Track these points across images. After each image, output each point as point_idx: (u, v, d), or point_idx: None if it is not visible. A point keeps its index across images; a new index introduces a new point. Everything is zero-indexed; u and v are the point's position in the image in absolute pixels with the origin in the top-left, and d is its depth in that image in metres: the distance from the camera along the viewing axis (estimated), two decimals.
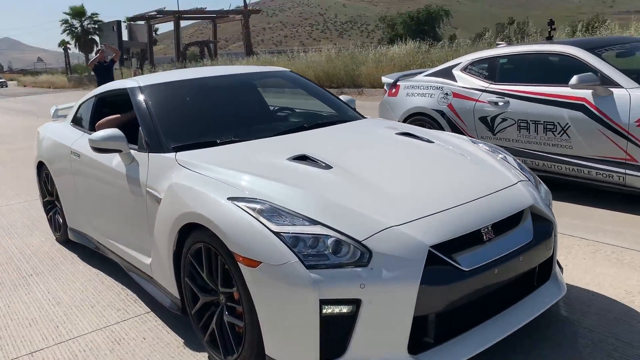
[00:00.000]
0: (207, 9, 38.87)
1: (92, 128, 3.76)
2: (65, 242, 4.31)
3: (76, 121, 4.17)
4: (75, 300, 3.34)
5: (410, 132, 3.12)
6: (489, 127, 4.92)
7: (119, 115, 3.68)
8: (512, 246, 2.29)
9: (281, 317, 2.07)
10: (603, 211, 4.19)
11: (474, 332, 2.21)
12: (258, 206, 2.21)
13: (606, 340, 2.46)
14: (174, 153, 2.85)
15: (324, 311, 2.00)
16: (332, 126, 3.35)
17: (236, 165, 2.62)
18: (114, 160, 3.19)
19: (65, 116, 4.66)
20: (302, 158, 2.63)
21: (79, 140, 3.76)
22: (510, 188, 2.51)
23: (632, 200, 4.23)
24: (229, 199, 2.29)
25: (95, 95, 3.98)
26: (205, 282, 2.48)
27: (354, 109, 3.81)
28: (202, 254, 2.43)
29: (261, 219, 2.15)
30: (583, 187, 4.47)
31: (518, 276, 2.36)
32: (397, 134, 3.09)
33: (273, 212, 2.18)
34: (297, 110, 3.81)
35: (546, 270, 2.56)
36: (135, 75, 17.22)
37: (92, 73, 12.13)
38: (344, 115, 3.65)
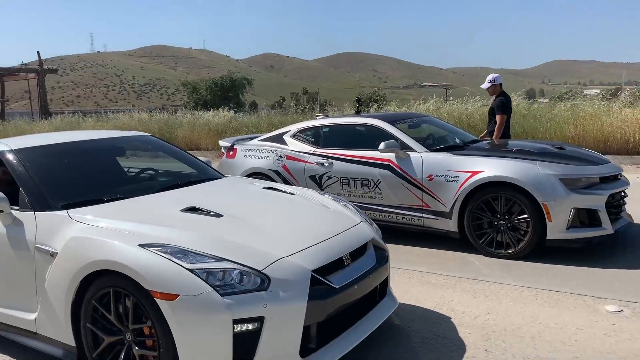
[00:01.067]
0: None
1: None
2: None
3: None
4: None
5: (273, 186, 3.80)
6: (317, 183, 5.84)
7: None
8: (364, 268, 3.07)
9: (198, 339, 2.49)
10: (410, 247, 5.32)
11: (343, 336, 2.89)
12: (169, 249, 2.64)
13: (429, 337, 3.34)
14: (65, 210, 3.08)
15: (236, 329, 2.50)
16: (204, 183, 3.86)
17: (134, 217, 2.98)
18: None
19: None
20: (192, 209, 3.11)
21: None
22: (357, 226, 3.32)
23: (428, 237, 5.43)
24: (139, 245, 2.67)
25: None
26: (111, 323, 2.75)
27: (213, 168, 4.36)
28: (111, 297, 2.71)
29: (174, 259, 2.58)
30: (393, 229, 5.58)
31: (368, 292, 3.14)
32: (263, 188, 3.75)
33: (182, 254, 2.63)
34: (167, 170, 4.21)
35: (384, 288, 3.39)
36: None
37: None
38: (207, 174, 4.18)
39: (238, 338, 2.50)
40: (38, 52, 32.78)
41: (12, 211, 3.18)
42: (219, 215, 3.05)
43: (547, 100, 20.95)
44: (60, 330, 2.92)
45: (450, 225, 5.10)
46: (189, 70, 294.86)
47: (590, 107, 10.45)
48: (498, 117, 6.80)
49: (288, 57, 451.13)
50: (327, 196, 3.88)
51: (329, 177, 5.79)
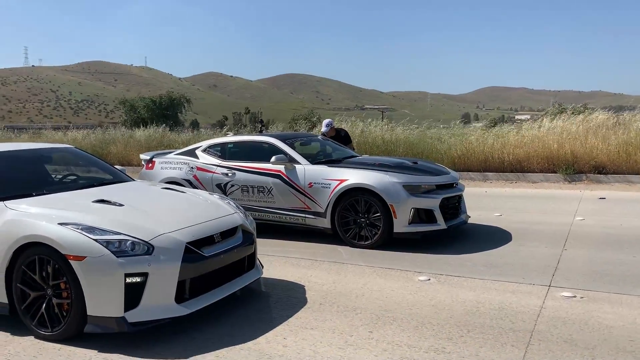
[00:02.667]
0: None
1: None
2: None
3: None
4: None
5: (170, 187, 4.91)
6: (222, 190, 6.95)
7: None
8: (231, 245, 4.21)
9: (100, 288, 3.54)
10: (293, 241, 6.50)
11: (212, 292, 4.01)
12: (80, 226, 3.69)
13: (283, 298, 4.50)
14: (2, 202, 4.06)
15: (127, 280, 3.56)
16: (115, 184, 4.92)
17: (56, 206, 4.01)
18: None
19: None
20: (101, 201, 4.17)
21: None
22: (230, 215, 4.46)
23: (309, 234, 6.64)
24: (59, 223, 3.70)
25: None
26: (36, 282, 3.74)
27: (126, 174, 5.41)
28: (36, 263, 3.72)
29: (84, 232, 3.64)
30: (283, 227, 6.76)
31: (236, 261, 4.27)
32: (161, 188, 4.85)
33: (90, 229, 3.68)
34: (86, 175, 5.22)
35: (251, 261, 4.53)
36: None
37: None
38: (120, 177, 5.23)
39: (129, 287, 3.57)
40: None
41: None
42: (121, 205, 4.13)
43: (481, 124, 22.93)
44: None
45: (325, 223, 6.34)
46: (129, 87, 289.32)
47: (473, 134, 12.18)
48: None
49: (232, 76, 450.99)
50: (215, 195, 5.02)
51: (232, 185, 6.92)
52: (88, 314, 3.57)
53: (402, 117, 16.49)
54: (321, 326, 3.86)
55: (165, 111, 44.56)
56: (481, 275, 4.95)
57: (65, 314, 3.66)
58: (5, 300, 3.87)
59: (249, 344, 3.59)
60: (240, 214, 4.66)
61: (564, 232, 6.53)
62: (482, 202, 8.96)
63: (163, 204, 4.42)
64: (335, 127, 9.31)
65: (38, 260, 3.72)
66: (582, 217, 7.34)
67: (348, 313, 4.11)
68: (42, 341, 3.70)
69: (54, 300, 3.70)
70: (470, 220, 7.09)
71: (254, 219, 6.48)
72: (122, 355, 3.46)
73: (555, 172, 10.94)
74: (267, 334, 3.75)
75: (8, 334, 3.88)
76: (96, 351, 3.53)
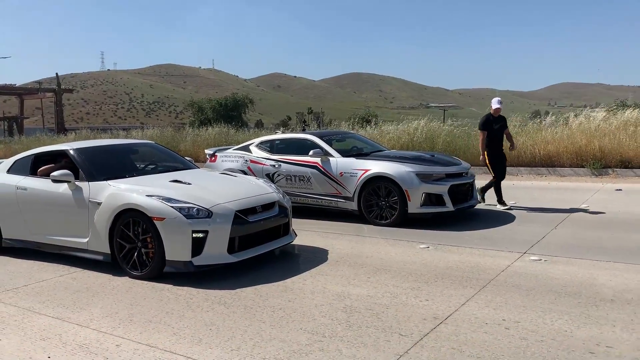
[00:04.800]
0: (16, 85, 38.44)
1: (33, 173, 6.22)
2: None
3: (13, 171, 6.48)
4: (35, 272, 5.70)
5: (227, 173, 6.37)
6: (271, 179, 8.37)
7: (53, 164, 6.23)
8: (269, 215, 5.59)
9: (174, 240, 5.00)
10: (325, 221, 7.81)
11: (255, 248, 5.40)
12: (161, 197, 5.17)
13: (310, 257, 5.81)
14: (106, 181, 5.63)
15: (194, 235, 5.01)
16: (185, 170, 6.44)
17: (143, 184, 5.53)
18: (61, 188, 5.78)
19: None
20: (175, 181, 5.67)
21: (23, 180, 6.17)
22: (270, 194, 5.84)
23: (340, 215, 7.92)
24: (146, 195, 5.21)
25: (33, 154, 6.45)
26: (130, 238, 5.27)
27: (194, 164, 6.93)
28: (130, 224, 5.24)
29: (164, 202, 5.11)
30: (320, 210, 8.09)
31: (273, 228, 5.64)
32: (220, 173, 6.33)
33: (168, 199, 5.16)
34: (163, 164, 6.78)
35: (286, 229, 5.89)
36: None
37: None
38: (189, 166, 6.75)
39: (194, 240, 5.01)
40: (57, 74, 35.87)
41: (75, 182, 5.73)
42: (189, 184, 5.61)
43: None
44: (101, 245, 5.44)
45: (353, 205, 7.62)
46: (198, 89, 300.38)
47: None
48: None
49: (295, 77, 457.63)
50: (260, 180, 6.42)
51: (279, 175, 8.34)
52: (166, 259, 5.05)
53: (468, 115, 16.82)
54: (333, 274, 5.16)
55: (230, 112, 47.00)
56: (472, 245, 6.07)
57: (150, 260, 5.16)
58: (108, 251, 5.43)
59: (278, 282, 4.95)
60: (278, 193, 6.03)
61: (563, 216, 7.47)
62: (506, 192, 9.90)
63: (220, 184, 5.87)
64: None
65: (132, 221, 5.24)
66: (587, 205, 8.21)
67: (356, 267, 5.38)
68: (133, 279, 5.21)
69: (143, 250, 5.20)
70: (486, 206, 8.16)
71: (296, 202, 7.93)
72: (189, 288, 4.90)
73: (584, 167, 11.64)
74: (292, 277, 5.09)
75: (111, 275, 5.42)
76: (171, 285, 4.99)
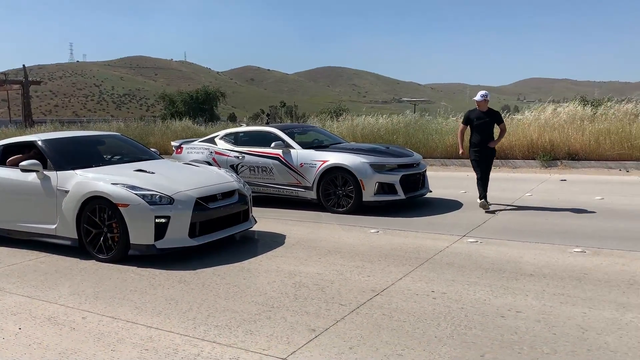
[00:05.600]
0: None
1: (2, 164, 6.47)
2: None
3: None
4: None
5: (190, 163, 6.73)
6: (235, 170, 8.74)
7: (21, 155, 6.50)
8: (229, 202, 5.98)
9: (138, 226, 5.36)
10: (286, 209, 8.23)
11: (215, 233, 5.79)
12: (125, 185, 5.52)
13: (269, 241, 6.23)
14: (73, 170, 5.94)
15: (156, 221, 5.37)
16: (149, 160, 6.77)
17: (109, 172, 5.86)
18: (29, 177, 6.06)
19: None
20: (140, 170, 6.01)
21: None
22: (230, 182, 6.23)
23: (301, 204, 8.36)
24: (112, 183, 5.55)
25: (2, 145, 6.70)
26: (97, 224, 5.60)
27: (159, 155, 7.26)
28: (97, 210, 5.57)
29: (128, 189, 5.46)
30: (281, 199, 8.51)
31: (233, 214, 6.03)
32: (183, 163, 6.68)
33: (132, 187, 5.51)
34: (129, 154, 7.09)
35: (245, 215, 6.30)
36: None
37: None
38: (154, 156, 7.09)
39: (157, 225, 5.38)
40: (24, 65, 35.35)
41: (44, 172, 6.02)
42: (153, 173, 5.97)
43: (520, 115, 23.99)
44: (69, 230, 5.76)
45: (312, 195, 8.06)
46: (169, 81, 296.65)
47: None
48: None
49: (269, 70, 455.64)
50: (222, 170, 6.81)
51: (242, 166, 8.72)
52: (131, 242, 5.40)
53: (440, 109, 16.86)
54: (288, 255, 5.60)
55: (201, 105, 47.00)
56: (418, 230, 6.58)
57: (115, 244, 5.50)
58: (76, 236, 5.75)
59: (236, 263, 5.36)
60: (238, 182, 6.42)
61: (507, 203, 8.05)
62: (459, 183, 10.51)
63: (182, 173, 6.24)
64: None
65: (98, 208, 5.57)
66: (531, 194, 8.83)
67: (310, 249, 5.83)
68: (100, 263, 5.55)
69: (109, 235, 5.55)
70: (438, 195, 8.71)
71: (259, 192, 8.33)
72: (152, 269, 5.27)
73: (535, 159, 12.32)
74: (250, 259, 5.51)
75: (78, 259, 5.75)
76: (135, 267, 5.35)
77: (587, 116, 12.73)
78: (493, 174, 12.02)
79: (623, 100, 17.00)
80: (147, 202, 5.39)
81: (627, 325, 3.53)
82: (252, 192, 8.35)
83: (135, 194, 5.43)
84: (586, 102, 22.36)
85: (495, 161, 12.84)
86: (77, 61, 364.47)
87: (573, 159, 11.95)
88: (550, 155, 12.08)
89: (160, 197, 5.47)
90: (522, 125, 12.96)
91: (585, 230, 6.23)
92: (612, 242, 5.68)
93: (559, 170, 11.71)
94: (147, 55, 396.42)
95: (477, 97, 7.73)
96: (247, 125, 11.27)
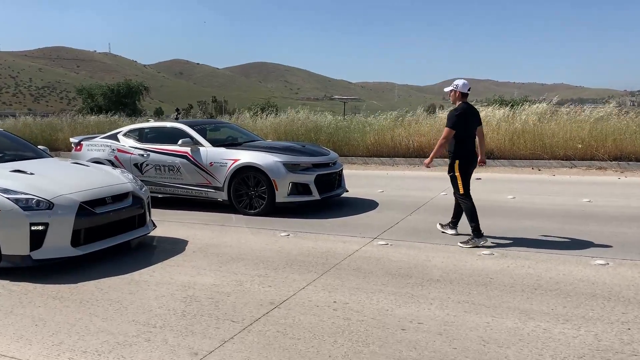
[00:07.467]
0: None
1: None
2: None
3: None
4: None
5: (78, 162, 6.09)
6: (139, 169, 8.12)
7: None
8: (121, 206, 5.42)
9: (11, 234, 4.71)
10: (195, 211, 7.73)
11: (104, 240, 5.22)
12: None
13: (168, 248, 5.73)
14: None
15: (32, 228, 4.75)
16: (33, 160, 6.07)
17: None
18: None
19: None
20: (17, 171, 5.33)
21: None
22: (123, 184, 5.67)
23: (211, 205, 7.88)
24: None
25: None
26: None
27: (47, 153, 6.55)
28: None
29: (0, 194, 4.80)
30: (190, 200, 7.99)
31: (127, 219, 5.48)
32: (71, 163, 6.03)
33: (5, 190, 4.84)
34: (11, 152, 6.34)
35: (141, 220, 5.76)
36: None
37: None
38: (40, 155, 6.37)
39: (33, 233, 4.75)
40: None
41: None
42: (32, 174, 5.31)
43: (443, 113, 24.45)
44: None
45: (223, 195, 7.60)
46: (92, 74, 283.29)
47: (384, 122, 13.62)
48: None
49: (198, 64, 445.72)
50: (117, 170, 6.21)
51: (147, 165, 8.11)
52: (2, 253, 4.75)
53: (370, 108, 17.17)
54: (186, 264, 5.13)
55: (123, 99, 44.82)
56: (330, 232, 6.30)
57: None
58: None
59: (125, 275, 4.83)
60: (133, 183, 5.86)
61: (421, 203, 7.96)
62: (378, 182, 10.39)
63: (67, 174, 5.61)
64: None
65: None
66: (445, 193, 8.80)
67: (212, 256, 5.39)
68: None
69: None
70: (356, 195, 8.50)
71: (166, 193, 7.77)
72: (26, 283, 4.65)
73: None
74: (142, 269, 5.00)
75: None
76: (8, 281, 4.71)
77: (503, 117, 13.00)
78: (410, 173, 12.17)
79: (540, 100, 17.75)
80: (21, 207, 4.76)
81: (528, 336, 3.38)
82: (159, 193, 7.86)
83: (7, 197, 4.78)
84: (505, 103, 23.18)
85: (413, 160, 12.92)
86: None
87: (489, 158, 12.15)
88: None
89: (37, 201, 4.85)
90: (439, 124, 13.06)
91: (495, 230, 6.18)
92: (520, 243, 5.64)
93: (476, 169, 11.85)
94: (68, 46, 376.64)
95: (465, 89, 5.76)
96: (155, 121, 10.64)
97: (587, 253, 5.23)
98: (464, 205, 5.77)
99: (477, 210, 5.72)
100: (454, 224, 6.13)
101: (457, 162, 5.80)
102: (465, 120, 5.70)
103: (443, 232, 6.14)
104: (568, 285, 4.32)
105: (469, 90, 5.81)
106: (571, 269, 4.72)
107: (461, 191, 5.80)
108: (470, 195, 5.82)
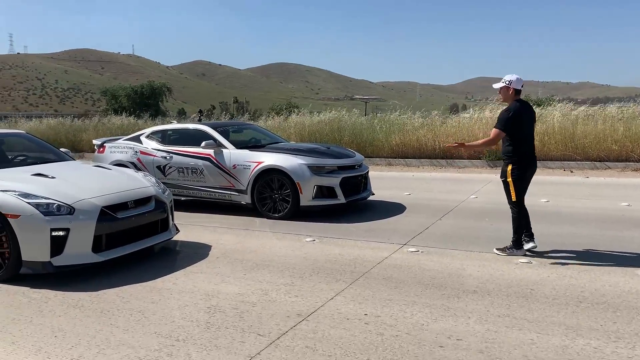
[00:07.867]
0: None
1: None
2: None
3: None
4: None
5: (100, 165, 5.97)
6: (162, 172, 8.00)
7: None
8: (143, 210, 5.28)
9: (31, 240, 4.59)
10: (218, 214, 7.58)
11: (126, 246, 5.08)
12: (17, 193, 4.73)
13: (190, 253, 5.57)
14: None
15: (52, 234, 4.62)
16: (55, 162, 5.97)
17: (1, 178, 5.05)
18: None
19: None
20: (38, 174, 5.22)
21: None
22: (146, 187, 5.52)
23: (234, 208, 7.72)
24: (1, 190, 4.75)
25: None
26: None
27: (69, 155, 6.46)
28: None
29: (19, 198, 4.68)
30: (213, 203, 7.84)
31: (149, 223, 5.34)
32: (93, 166, 5.91)
33: (25, 195, 4.73)
34: (34, 154, 6.26)
35: (164, 225, 5.61)
36: None
37: None
38: (63, 157, 6.28)
39: (54, 239, 4.63)
40: None
41: None
42: (53, 177, 5.19)
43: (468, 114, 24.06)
44: None
45: (247, 199, 7.43)
46: (117, 75, 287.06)
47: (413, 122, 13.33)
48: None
49: (220, 65, 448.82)
50: (139, 173, 6.08)
51: (170, 167, 7.98)
52: (23, 259, 4.63)
53: (391, 107, 16.65)
54: (209, 271, 4.96)
55: (147, 100, 45.20)
56: (357, 237, 6.07)
57: (5, 261, 4.72)
58: None
59: (147, 282, 4.68)
60: (156, 187, 5.72)
61: (451, 207, 7.68)
62: (404, 183, 10.11)
63: (89, 177, 5.49)
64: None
65: None
66: (476, 196, 8.50)
67: (236, 263, 5.21)
68: None
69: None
70: (381, 197, 8.25)
71: (189, 196, 7.65)
72: (47, 290, 4.53)
73: (480, 159, 12.10)
74: (164, 276, 4.84)
75: None
76: (28, 287, 4.59)
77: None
78: (437, 174, 11.86)
79: (565, 99, 17.23)
80: (41, 212, 4.63)
81: (578, 355, 3.11)
82: (182, 195, 7.73)
83: (28, 202, 4.66)
84: (531, 102, 22.57)
85: (440, 161, 12.61)
86: (18, 53, 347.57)
87: None
88: (496, 154, 11.88)
89: (58, 206, 4.72)
90: (467, 124, 12.73)
91: None
92: (558, 250, 5.35)
93: None
94: (92, 48, 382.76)
95: (519, 85, 5.19)
96: (178, 122, 10.54)
97: (632, 262, 4.92)
98: (513, 214, 5.31)
99: (525, 221, 5.28)
100: (528, 236, 5.31)
101: (509, 166, 5.26)
102: (520, 121, 5.09)
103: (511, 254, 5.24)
104: (616, 297, 4.03)
105: (522, 86, 5.22)
106: (617, 280, 4.42)
107: (513, 198, 5.26)
108: (523, 205, 5.28)
